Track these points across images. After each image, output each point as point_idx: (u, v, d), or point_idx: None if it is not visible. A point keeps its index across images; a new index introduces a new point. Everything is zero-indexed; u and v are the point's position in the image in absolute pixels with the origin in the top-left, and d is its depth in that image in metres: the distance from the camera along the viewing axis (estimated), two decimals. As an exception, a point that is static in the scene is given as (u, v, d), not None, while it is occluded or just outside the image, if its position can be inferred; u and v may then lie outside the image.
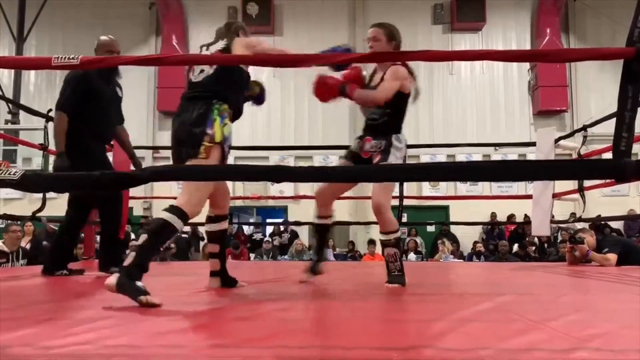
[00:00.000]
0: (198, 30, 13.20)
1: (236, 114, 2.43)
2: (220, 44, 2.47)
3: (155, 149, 11.99)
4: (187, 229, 10.58)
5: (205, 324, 1.55)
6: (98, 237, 4.12)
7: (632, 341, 1.31)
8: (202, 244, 10.45)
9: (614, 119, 1.38)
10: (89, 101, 3.31)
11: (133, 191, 5.34)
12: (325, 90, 2.76)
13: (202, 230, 10.82)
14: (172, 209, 2.09)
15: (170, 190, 12.21)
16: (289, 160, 11.47)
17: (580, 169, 1.46)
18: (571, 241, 4.66)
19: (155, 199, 11.91)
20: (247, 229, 11.67)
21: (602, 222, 9.14)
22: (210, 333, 1.40)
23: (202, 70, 2.37)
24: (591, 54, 1.49)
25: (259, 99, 2.75)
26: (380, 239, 2.85)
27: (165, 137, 12.71)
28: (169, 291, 2.62)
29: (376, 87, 2.82)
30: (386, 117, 2.87)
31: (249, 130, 12.82)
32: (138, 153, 3.93)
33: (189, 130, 2.23)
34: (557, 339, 1.32)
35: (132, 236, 9.08)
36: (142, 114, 12.87)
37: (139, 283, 1.90)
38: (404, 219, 8.71)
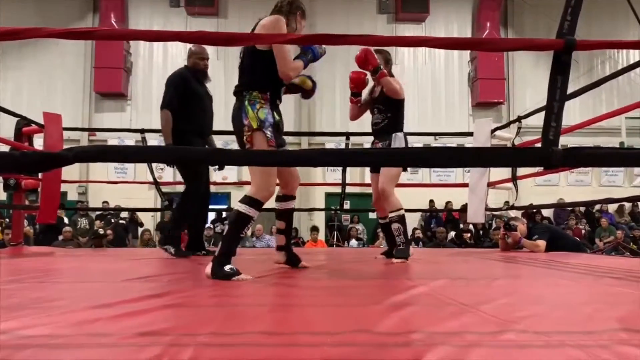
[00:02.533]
0: (138, 8, 12.73)
1: (274, 95, 2.54)
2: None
3: (91, 130, 11.53)
4: (124, 214, 10.25)
5: (136, 311, 1.49)
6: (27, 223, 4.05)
7: (556, 323, 1.36)
8: (140, 230, 10.17)
9: (546, 111, 1.44)
10: (188, 100, 3.75)
11: (67, 174, 5.11)
12: (366, 61, 3.27)
13: (141, 216, 10.56)
14: (244, 199, 2.39)
15: (107, 175, 11.85)
16: (233, 145, 11.30)
17: (511, 157, 1.50)
18: (505, 228, 4.85)
19: (91, 183, 11.52)
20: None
21: (534, 210, 9.57)
22: (140, 321, 1.35)
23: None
24: (524, 44, 1.54)
25: (308, 92, 2.87)
26: (389, 216, 3.47)
27: (102, 119, 12.32)
28: (104, 278, 2.53)
29: (378, 99, 3.56)
30: (387, 120, 3.53)
31: (191, 114, 12.54)
32: (72, 135, 3.84)
33: (234, 125, 2.51)
34: (486, 322, 1.35)
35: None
36: (77, 95, 12.32)
37: (227, 267, 2.25)
38: (346, 206, 8.78)
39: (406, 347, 1.10)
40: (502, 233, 4.96)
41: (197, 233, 4.06)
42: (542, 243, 4.63)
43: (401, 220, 3.44)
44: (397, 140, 3.50)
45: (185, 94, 3.76)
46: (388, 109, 3.55)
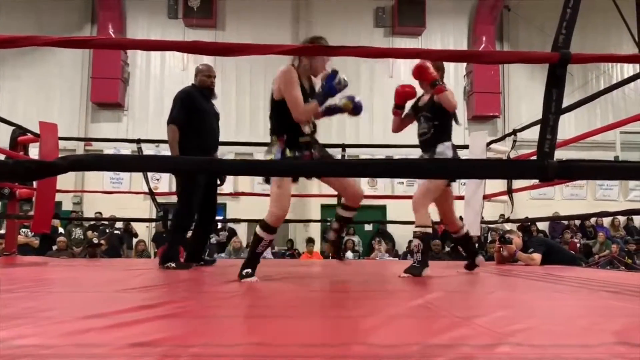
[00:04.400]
0: (136, 20, 12.77)
1: (292, 136, 2.85)
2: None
3: (87, 140, 11.49)
4: (119, 225, 10.20)
5: (129, 322, 1.48)
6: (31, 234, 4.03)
7: (551, 336, 1.36)
8: (135, 240, 10.12)
9: (541, 124, 1.45)
10: (194, 117, 3.85)
11: (62, 184, 5.09)
12: (423, 75, 3.19)
13: (135, 226, 10.51)
14: (260, 222, 2.83)
15: (102, 185, 11.80)
16: (229, 156, 11.30)
17: (506, 169, 1.50)
18: (500, 241, 4.85)
19: (86, 193, 11.45)
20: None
21: (529, 223, 9.58)
22: (133, 332, 1.33)
23: None
24: (519, 57, 1.55)
25: (355, 111, 3.12)
26: (413, 229, 3.34)
27: (98, 129, 12.29)
28: (97, 288, 2.51)
29: (424, 107, 3.46)
30: (433, 130, 3.39)
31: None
32: (68, 145, 3.87)
33: None
34: (481, 335, 1.35)
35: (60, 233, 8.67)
36: (74, 105, 12.30)
37: (244, 271, 2.77)
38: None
39: (401, 360, 1.09)
40: (497, 246, 4.96)
41: (197, 245, 4.12)
42: (537, 256, 4.63)
43: (423, 238, 3.29)
44: (442, 150, 3.35)
45: (191, 111, 3.86)
46: (435, 117, 3.39)
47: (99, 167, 1.47)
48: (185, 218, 3.92)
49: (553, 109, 1.37)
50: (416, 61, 3.01)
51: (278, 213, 2.80)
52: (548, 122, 1.37)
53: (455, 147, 3.44)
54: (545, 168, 1.35)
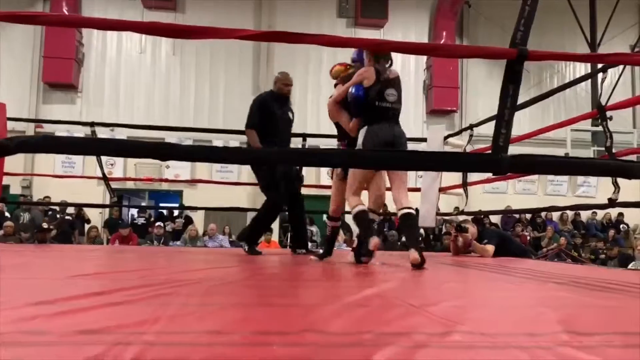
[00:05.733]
0: (92, 0, 12.33)
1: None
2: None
3: (38, 122, 11.07)
4: (71, 210, 9.90)
5: (78, 309, 1.43)
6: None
7: (502, 325, 1.40)
8: (87, 227, 9.85)
9: (497, 119, 1.48)
10: (267, 122, 4.20)
11: (10, 167, 4.88)
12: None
13: (88, 212, 10.22)
14: None
15: (54, 169, 11.40)
16: (187, 142, 11.10)
17: (462, 162, 1.53)
18: (456, 229, 4.96)
19: (36, 176, 11.05)
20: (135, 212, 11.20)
21: (482, 216, 9.84)
22: (81, 319, 1.30)
23: None
24: (478, 52, 1.58)
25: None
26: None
27: (50, 111, 11.85)
28: (47, 274, 2.43)
29: None
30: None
31: (145, 109, 12.24)
32: (17, 126, 3.70)
33: None
34: (434, 323, 1.37)
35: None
36: (24, 84, 11.82)
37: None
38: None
39: (356, 347, 1.10)
40: (453, 234, 5.06)
41: (299, 233, 4.63)
42: (490, 248, 4.76)
43: (360, 218, 3.43)
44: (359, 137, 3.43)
45: (266, 116, 4.21)
46: (349, 110, 3.57)
47: (48, 148, 1.41)
48: (265, 212, 4.34)
49: (509, 104, 1.40)
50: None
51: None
52: (503, 117, 1.40)
53: (372, 132, 3.30)
54: (499, 162, 1.38)
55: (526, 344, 1.15)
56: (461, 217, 5.54)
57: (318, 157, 1.66)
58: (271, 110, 4.24)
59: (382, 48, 1.37)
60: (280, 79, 4.40)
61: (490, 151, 1.50)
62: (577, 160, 1.53)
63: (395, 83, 3.24)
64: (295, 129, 4.65)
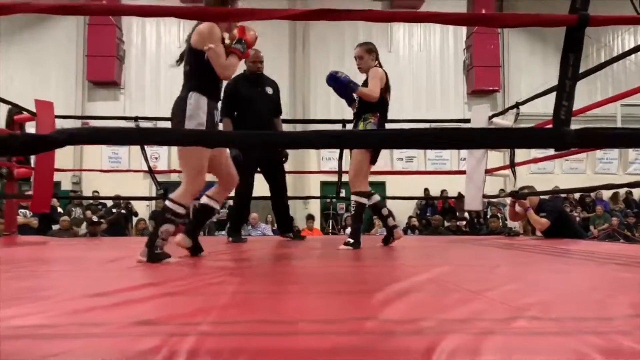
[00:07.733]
0: (130, -5, 12.53)
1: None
2: None
3: (84, 118, 11.37)
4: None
5: (134, 300, 1.44)
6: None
7: (567, 309, 1.32)
8: (135, 219, 10.08)
9: (543, 98, 1.38)
10: (239, 105, 4.14)
11: (60, 163, 5.02)
12: None
13: (135, 205, 10.46)
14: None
15: (101, 164, 11.71)
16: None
17: (520, 138, 1.44)
18: (514, 196, 4.80)
19: (85, 172, 11.38)
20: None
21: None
22: (137, 310, 1.30)
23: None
24: (534, 20, 1.46)
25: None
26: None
27: (94, 108, 12.16)
28: (100, 266, 2.47)
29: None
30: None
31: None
32: (65, 123, 3.78)
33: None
34: (496, 309, 1.31)
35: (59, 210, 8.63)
36: (69, 83, 12.16)
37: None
38: (342, 194, 8.74)
39: (418, 336, 1.05)
40: (512, 200, 4.90)
41: (282, 218, 4.51)
42: (545, 222, 4.54)
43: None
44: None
45: (236, 99, 4.11)
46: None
47: (97, 139, 1.41)
48: (240, 196, 4.22)
49: (570, 74, 1.31)
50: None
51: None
52: (565, 88, 1.31)
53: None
54: (562, 136, 1.29)
55: (599, 329, 1.08)
56: (508, 200, 5.36)
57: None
58: (240, 94, 4.13)
59: (427, 20, 1.30)
60: (248, 58, 4.18)
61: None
62: (644, 132, 1.42)
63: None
64: (334, 114, 4.61)
